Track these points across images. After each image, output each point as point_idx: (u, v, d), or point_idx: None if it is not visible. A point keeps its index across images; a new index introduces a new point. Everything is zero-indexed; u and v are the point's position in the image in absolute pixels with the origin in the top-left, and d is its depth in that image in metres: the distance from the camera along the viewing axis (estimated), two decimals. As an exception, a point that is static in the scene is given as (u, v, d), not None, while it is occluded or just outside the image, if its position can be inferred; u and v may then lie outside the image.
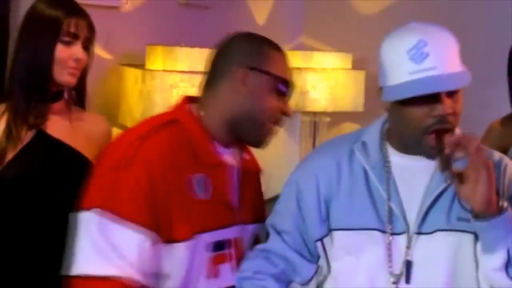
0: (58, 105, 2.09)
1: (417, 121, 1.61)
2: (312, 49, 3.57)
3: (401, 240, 1.68)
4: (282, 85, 1.85)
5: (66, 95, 2.12)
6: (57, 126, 2.07)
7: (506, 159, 1.76)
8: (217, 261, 1.80)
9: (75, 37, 2.03)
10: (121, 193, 1.68)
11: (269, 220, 1.85)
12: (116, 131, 2.88)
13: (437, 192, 1.67)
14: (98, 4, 2.79)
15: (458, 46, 1.64)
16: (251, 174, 1.92)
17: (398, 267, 1.67)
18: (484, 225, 1.59)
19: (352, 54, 3.40)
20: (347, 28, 3.63)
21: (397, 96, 1.62)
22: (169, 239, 1.71)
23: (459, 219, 1.67)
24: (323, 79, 3.26)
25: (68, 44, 2.02)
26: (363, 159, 1.72)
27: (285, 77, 1.86)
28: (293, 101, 3.26)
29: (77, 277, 1.69)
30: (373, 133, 1.76)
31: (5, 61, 2.48)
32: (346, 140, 1.79)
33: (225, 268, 1.81)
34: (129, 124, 2.77)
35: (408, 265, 1.66)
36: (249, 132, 1.84)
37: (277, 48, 1.89)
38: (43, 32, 2.03)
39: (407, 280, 1.66)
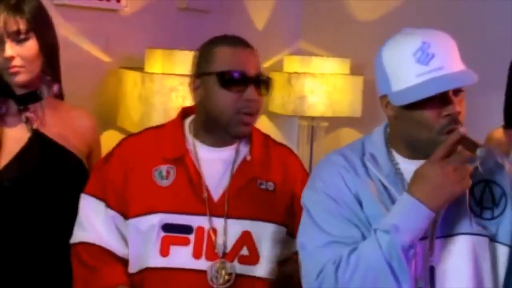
0: (45, 104, 2.07)
1: (429, 123, 1.62)
2: (311, 54, 3.59)
3: (424, 245, 1.66)
4: (230, 77, 1.90)
5: (45, 92, 2.07)
6: (50, 125, 2.07)
7: (507, 159, 1.78)
8: (168, 242, 1.92)
9: None
10: (102, 180, 2.01)
11: (305, 241, 1.72)
12: (114, 134, 2.90)
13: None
14: (98, 7, 2.80)
15: (457, 45, 1.66)
16: (248, 174, 1.99)
17: (422, 272, 1.66)
18: None
19: (350, 60, 3.41)
20: (345, 34, 3.64)
21: (410, 99, 1.61)
22: (128, 217, 1.97)
23: (477, 222, 1.68)
24: (321, 84, 3.27)
25: None
26: (376, 171, 1.71)
27: (228, 68, 1.90)
28: (291, 106, 3.29)
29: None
30: (378, 143, 1.76)
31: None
32: (354, 151, 1.77)
33: (178, 250, 1.91)
34: (128, 127, 2.77)
35: (431, 270, 1.66)
36: (222, 129, 1.95)
37: (227, 42, 1.94)
38: None
39: (432, 286, 1.65)
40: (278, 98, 3.37)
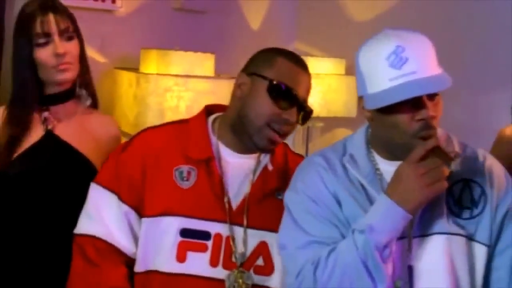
0: (67, 106, 2.09)
1: (402, 127, 1.62)
2: (306, 54, 3.58)
3: (403, 245, 1.66)
4: (282, 90, 1.87)
5: (77, 92, 2.10)
6: (66, 128, 2.09)
7: (489, 157, 1.77)
8: (185, 247, 1.87)
9: (47, 35, 1.98)
10: (114, 171, 1.93)
11: (286, 242, 1.74)
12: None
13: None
14: (93, 8, 2.80)
15: (434, 49, 1.65)
16: (268, 184, 1.95)
17: (401, 272, 1.66)
18: None
19: (345, 60, 3.41)
20: (341, 34, 3.64)
21: (380, 103, 1.61)
22: (142, 214, 1.90)
23: (454, 222, 1.68)
24: (316, 84, 3.27)
25: (43, 45, 1.99)
26: (355, 172, 1.71)
27: (282, 81, 1.87)
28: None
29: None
30: (358, 144, 1.76)
31: (0, 62, 2.48)
32: (335, 152, 1.77)
33: (195, 257, 1.87)
34: (123, 127, 2.77)
35: (410, 270, 1.66)
36: (247, 135, 1.90)
37: (291, 58, 1.92)
38: (20, 43, 2.02)
39: (411, 285, 1.66)
40: (273, 99, 3.36)
